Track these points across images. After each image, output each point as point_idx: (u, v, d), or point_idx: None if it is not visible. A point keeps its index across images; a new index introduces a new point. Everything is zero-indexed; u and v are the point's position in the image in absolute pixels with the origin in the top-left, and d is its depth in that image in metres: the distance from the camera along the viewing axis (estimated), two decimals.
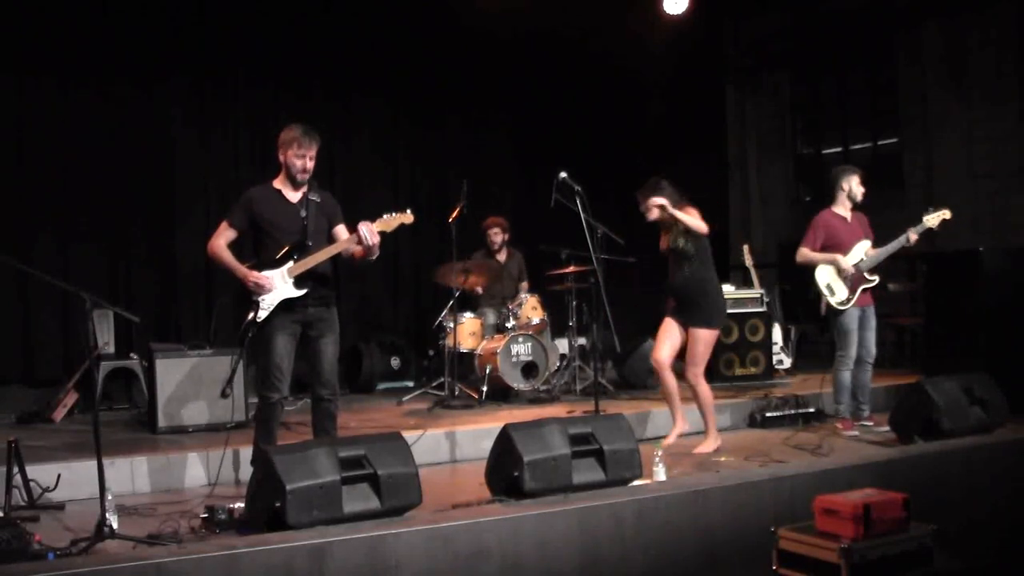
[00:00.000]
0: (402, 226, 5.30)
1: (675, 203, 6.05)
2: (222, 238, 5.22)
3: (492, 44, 9.64)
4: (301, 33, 9.23)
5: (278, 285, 5.12)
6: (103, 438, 4.50)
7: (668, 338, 6.18)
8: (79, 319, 7.35)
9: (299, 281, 5.14)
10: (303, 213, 5.21)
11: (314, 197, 5.27)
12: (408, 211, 5.30)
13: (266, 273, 5.12)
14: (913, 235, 6.53)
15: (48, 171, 8.34)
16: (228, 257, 5.21)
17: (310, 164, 5.21)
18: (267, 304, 5.12)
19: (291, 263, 5.14)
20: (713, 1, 10.71)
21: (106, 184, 8.56)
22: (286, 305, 5.14)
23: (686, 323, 6.14)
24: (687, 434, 6.37)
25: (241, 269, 5.14)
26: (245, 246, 5.35)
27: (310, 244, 5.17)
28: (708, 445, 6.15)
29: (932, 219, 6.54)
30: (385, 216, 5.23)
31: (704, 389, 6.18)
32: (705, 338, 6.10)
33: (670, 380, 6.24)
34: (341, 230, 5.34)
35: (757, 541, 4.09)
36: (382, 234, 5.19)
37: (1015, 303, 7.37)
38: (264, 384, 5.17)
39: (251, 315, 5.12)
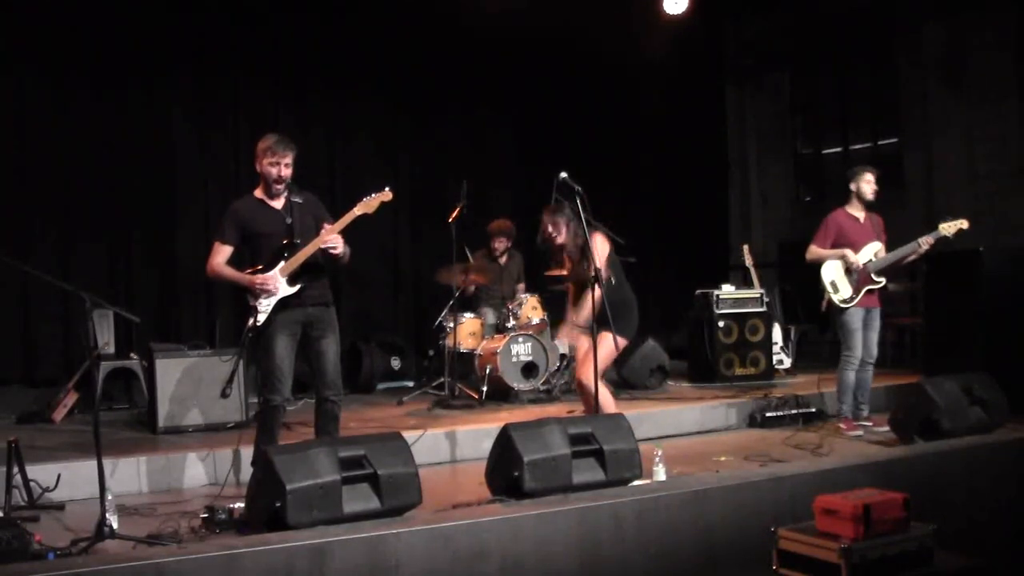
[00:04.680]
0: (383, 205, 5.36)
1: (588, 230, 5.64)
2: (219, 256, 5.24)
3: (492, 44, 9.63)
4: (301, 33, 9.23)
5: (277, 285, 5.16)
6: (103, 438, 4.51)
7: (588, 354, 5.67)
8: (79, 319, 7.36)
9: (292, 279, 5.18)
10: (288, 219, 5.25)
11: (296, 199, 5.32)
12: (387, 189, 5.37)
13: (266, 274, 5.16)
14: (926, 243, 6.49)
15: (48, 171, 8.34)
16: (229, 272, 5.24)
17: (285, 172, 5.23)
18: (264, 307, 5.15)
19: (282, 262, 5.18)
20: (713, 1, 10.71)
21: (106, 184, 8.57)
22: (285, 305, 5.16)
23: (599, 330, 5.56)
24: (687, 434, 6.37)
25: (245, 277, 5.19)
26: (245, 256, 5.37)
27: (298, 242, 5.20)
28: None
29: (948, 227, 6.45)
30: (365, 199, 5.29)
31: (602, 392, 5.62)
32: (610, 344, 5.57)
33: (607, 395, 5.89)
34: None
35: (757, 541, 4.09)
36: (365, 216, 5.26)
37: (1015, 303, 7.36)
38: (266, 387, 5.18)
39: (251, 320, 5.15)
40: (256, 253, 5.26)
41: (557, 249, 5.89)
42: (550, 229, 5.81)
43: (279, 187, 5.26)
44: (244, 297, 5.23)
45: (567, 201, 5.77)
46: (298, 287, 5.18)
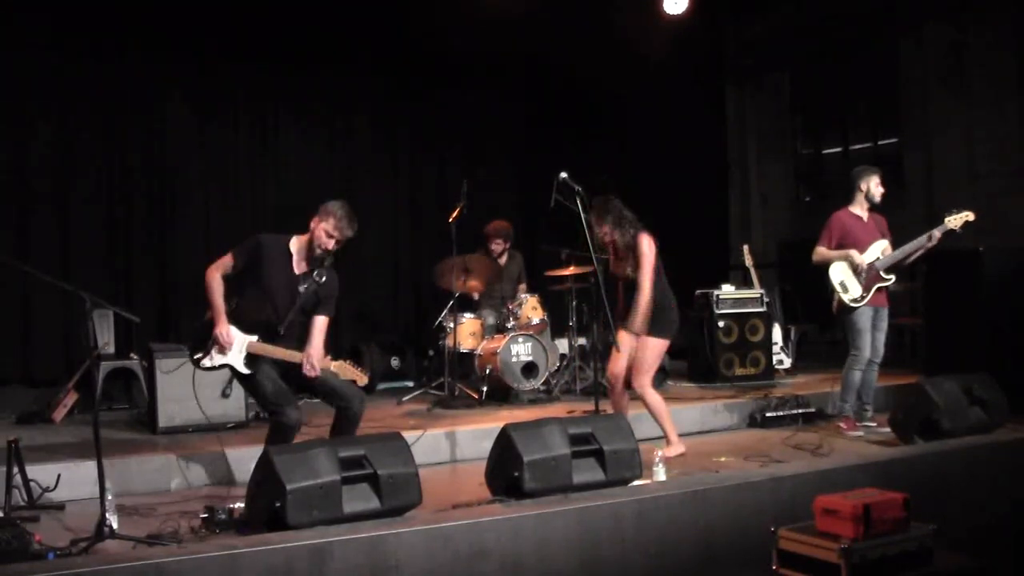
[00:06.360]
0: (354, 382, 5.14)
1: (632, 227, 5.94)
2: (220, 270, 5.12)
3: (492, 45, 9.62)
4: (301, 33, 9.19)
5: (233, 350, 5.03)
6: (103, 438, 4.51)
7: (623, 353, 5.99)
8: (79, 319, 7.35)
9: (251, 359, 5.04)
10: (298, 290, 5.10)
11: (318, 277, 5.13)
12: (367, 378, 5.14)
13: (234, 332, 5.03)
14: (935, 237, 6.49)
15: (48, 171, 8.35)
16: (216, 293, 5.07)
17: (332, 246, 5.09)
18: (214, 359, 5.04)
19: (255, 338, 5.06)
20: (713, 1, 10.70)
21: (106, 184, 8.58)
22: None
23: (638, 333, 5.94)
24: (687, 434, 6.38)
25: (220, 315, 5.04)
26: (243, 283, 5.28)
27: (281, 333, 5.07)
28: (670, 451, 5.89)
29: (955, 220, 6.46)
30: (348, 364, 5.09)
31: (653, 397, 6.00)
32: (655, 347, 5.93)
33: (621, 397, 6.11)
34: (320, 324, 5.14)
35: (757, 541, 4.09)
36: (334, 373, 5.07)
37: (1015, 303, 7.37)
38: (271, 413, 5.10)
39: (199, 355, 5.06)
40: (244, 292, 5.14)
41: (608, 245, 6.03)
42: (601, 227, 5.93)
43: (319, 253, 5.10)
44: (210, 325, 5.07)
45: (613, 197, 5.91)
46: (250, 372, 5.03)
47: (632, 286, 5.94)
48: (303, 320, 5.16)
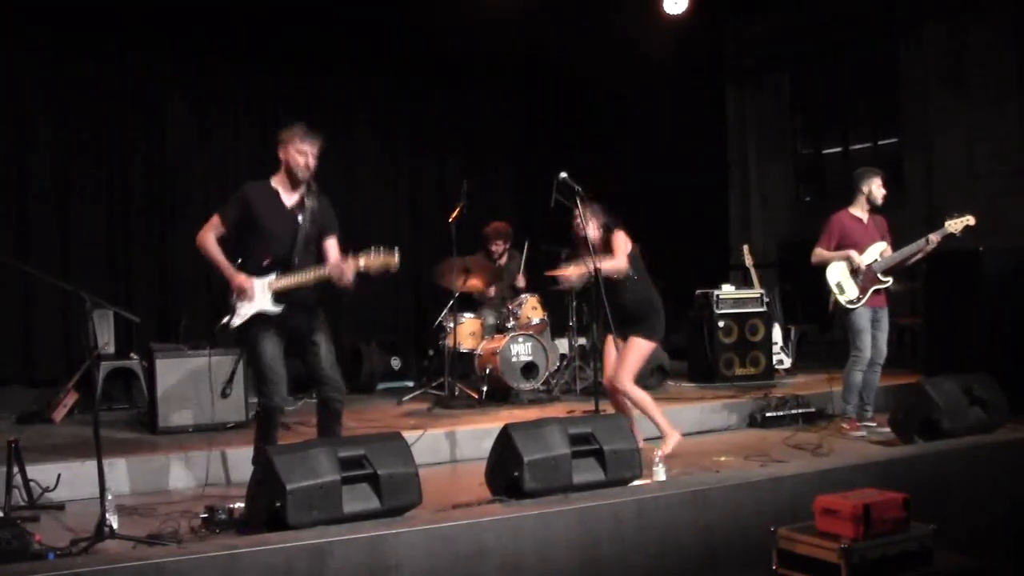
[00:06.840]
0: (387, 270, 5.02)
1: (605, 227, 5.99)
2: (212, 231, 5.04)
3: (493, 45, 9.63)
4: (301, 34, 9.19)
5: (257, 295, 4.95)
6: (103, 438, 4.51)
7: (613, 357, 6.02)
8: (79, 319, 7.35)
9: (278, 297, 4.97)
10: (297, 221, 5.03)
11: (311, 203, 5.07)
12: (396, 252, 5.01)
13: (250, 279, 4.96)
14: (934, 240, 6.49)
15: (48, 171, 8.36)
16: (216, 253, 5.03)
17: (312, 162, 5.04)
18: (242, 313, 4.96)
19: (273, 277, 4.98)
20: (713, 1, 10.71)
21: (106, 184, 8.58)
22: (264, 316, 4.99)
23: (626, 334, 5.98)
24: (687, 434, 6.38)
25: (229, 269, 4.98)
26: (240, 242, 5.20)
27: (296, 262, 5.00)
28: (668, 444, 5.92)
29: (955, 224, 6.43)
30: (372, 252, 4.99)
31: (636, 393, 5.98)
32: (642, 347, 5.95)
33: (624, 402, 6.12)
34: (332, 245, 5.13)
35: (757, 541, 4.09)
36: (365, 272, 5.00)
37: (1015, 303, 7.37)
38: (261, 390, 5.04)
39: (226, 319, 4.99)
40: (247, 246, 5.05)
41: (581, 242, 6.01)
42: (579, 222, 5.93)
43: (304, 175, 5.03)
44: (223, 290, 5.04)
45: (587, 199, 5.94)
46: (281, 307, 4.97)
47: (611, 287, 5.90)
48: (312, 250, 5.10)
